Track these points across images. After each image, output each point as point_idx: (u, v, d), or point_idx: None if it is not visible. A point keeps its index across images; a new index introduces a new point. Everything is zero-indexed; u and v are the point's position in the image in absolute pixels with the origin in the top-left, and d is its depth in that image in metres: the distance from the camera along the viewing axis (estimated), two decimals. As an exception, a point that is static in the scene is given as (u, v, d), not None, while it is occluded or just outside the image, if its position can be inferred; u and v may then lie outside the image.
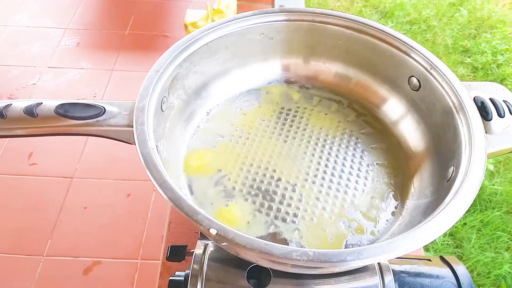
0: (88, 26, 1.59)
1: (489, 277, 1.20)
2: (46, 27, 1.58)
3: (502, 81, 1.77)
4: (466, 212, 1.38)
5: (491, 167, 1.46)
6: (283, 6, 0.87)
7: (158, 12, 1.65)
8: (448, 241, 1.30)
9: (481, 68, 1.83)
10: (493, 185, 1.42)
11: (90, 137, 1.26)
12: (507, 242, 1.29)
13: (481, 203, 1.38)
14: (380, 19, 2.06)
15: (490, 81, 1.84)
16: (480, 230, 1.31)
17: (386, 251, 0.31)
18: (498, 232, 1.30)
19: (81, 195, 1.18)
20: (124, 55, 1.50)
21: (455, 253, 1.27)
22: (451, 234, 1.31)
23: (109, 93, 1.38)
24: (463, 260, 1.24)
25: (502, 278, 1.20)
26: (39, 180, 1.20)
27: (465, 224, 1.32)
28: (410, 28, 2.02)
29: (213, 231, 0.32)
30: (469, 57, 1.89)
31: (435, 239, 1.27)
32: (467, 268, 1.17)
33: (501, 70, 1.81)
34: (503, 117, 0.41)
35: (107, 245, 1.11)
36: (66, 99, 0.40)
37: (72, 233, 1.12)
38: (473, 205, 1.37)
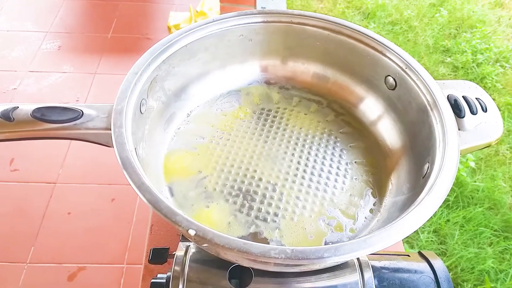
0: (69, 29, 1.57)
1: (473, 273, 1.22)
2: (26, 31, 1.55)
3: (482, 80, 1.80)
4: (449, 208, 1.40)
5: (473, 164, 1.49)
6: (264, 7, 0.87)
7: (141, 14, 1.64)
8: (432, 237, 1.32)
9: (462, 67, 1.87)
10: (475, 181, 1.45)
11: (72, 142, 1.25)
12: (489, 237, 1.31)
13: (463, 199, 1.40)
14: (363, 20, 2.09)
15: (470, 80, 1.88)
16: (463, 226, 1.34)
17: (362, 247, 0.31)
18: (480, 228, 1.33)
19: (65, 200, 1.17)
20: (107, 58, 1.48)
21: (439, 249, 1.29)
22: (435, 231, 1.33)
23: (92, 97, 1.36)
24: (447, 256, 1.26)
25: (486, 273, 1.22)
26: (21, 186, 1.18)
27: (448, 220, 1.34)
28: (392, 29, 2.05)
29: (191, 232, 0.32)
30: (449, 56, 1.92)
31: (422, 238, 1.28)
32: (451, 264, 1.18)
33: (481, 69, 1.84)
34: (476, 114, 0.42)
35: (92, 251, 1.09)
36: (48, 103, 0.40)
37: (56, 239, 1.10)
38: (455, 201, 1.39)
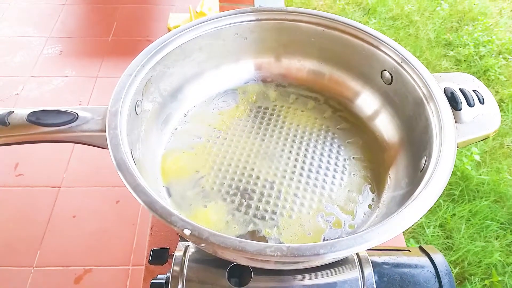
0: (70, 34, 1.58)
1: (480, 266, 1.21)
2: (28, 36, 1.56)
3: (485, 72, 1.79)
4: (455, 202, 1.38)
5: (477, 158, 1.47)
6: (262, 6, 0.87)
7: (140, 17, 1.65)
8: (438, 232, 1.31)
9: (464, 60, 1.85)
10: (480, 175, 1.44)
11: (76, 145, 1.26)
12: (496, 230, 1.30)
13: (469, 193, 1.39)
14: (363, 16, 2.08)
15: (473, 72, 1.85)
16: (469, 220, 1.32)
17: (358, 243, 0.31)
18: (487, 221, 1.31)
19: (70, 203, 1.17)
20: (108, 61, 1.49)
21: (445, 244, 1.28)
22: (441, 225, 1.32)
23: (95, 100, 1.37)
24: (454, 251, 1.25)
25: (493, 266, 1.21)
26: (26, 191, 1.19)
27: (454, 214, 1.33)
28: (393, 24, 2.04)
29: (187, 231, 0.32)
30: (452, 50, 1.91)
31: (428, 233, 1.28)
32: (458, 258, 1.17)
33: (483, 61, 1.83)
34: (473, 106, 0.41)
35: (98, 253, 1.10)
36: (43, 107, 0.40)
37: (61, 243, 1.11)
38: (461, 195, 1.38)
